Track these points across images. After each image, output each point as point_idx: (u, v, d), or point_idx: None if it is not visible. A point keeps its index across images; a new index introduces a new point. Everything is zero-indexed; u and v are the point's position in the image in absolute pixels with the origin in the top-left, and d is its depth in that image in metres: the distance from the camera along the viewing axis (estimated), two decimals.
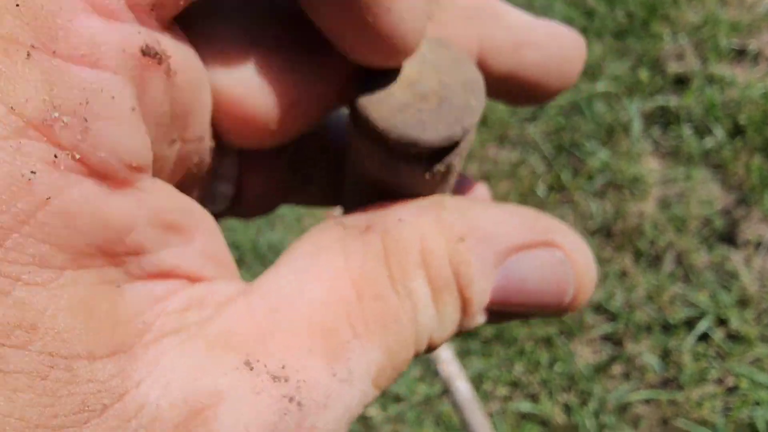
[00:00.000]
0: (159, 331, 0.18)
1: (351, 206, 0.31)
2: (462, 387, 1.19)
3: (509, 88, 0.26)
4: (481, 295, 0.22)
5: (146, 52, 0.17)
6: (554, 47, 0.25)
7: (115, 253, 0.17)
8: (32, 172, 0.15)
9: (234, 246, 1.83)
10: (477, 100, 0.23)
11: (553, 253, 0.23)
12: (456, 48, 0.24)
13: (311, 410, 0.19)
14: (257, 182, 0.29)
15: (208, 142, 0.24)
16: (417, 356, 0.22)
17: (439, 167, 0.23)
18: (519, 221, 0.23)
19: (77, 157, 0.16)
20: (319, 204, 0.33)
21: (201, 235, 0.20)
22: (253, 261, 1.79)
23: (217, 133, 0.24)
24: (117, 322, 0.17)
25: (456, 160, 0.24)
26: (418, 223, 0.22)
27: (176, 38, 0.20)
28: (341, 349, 0.19)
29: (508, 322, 0.25)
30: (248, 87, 0.22)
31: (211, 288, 0.20)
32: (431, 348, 0.22)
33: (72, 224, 0.16)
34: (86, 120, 0.16)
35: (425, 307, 0.21)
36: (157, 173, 0.20)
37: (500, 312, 0.23)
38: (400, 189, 0.24)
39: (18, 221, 0.15)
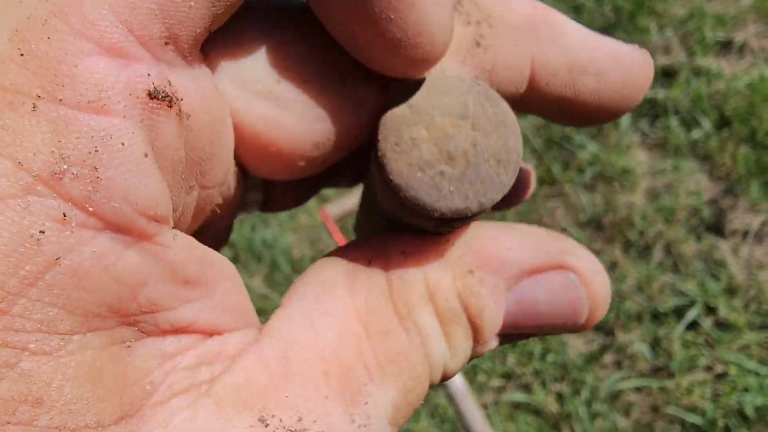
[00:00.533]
0: (168, 392, 0.17)
1: (364, 225, 0.30)
2: (456, 379, 1.21)
3: (561, 112, 0.24)
4: (493, 323, 0.22)
5: (154, 95, 0.16)
6: (616, 72, 0.22)
7: (127, 312, 0.16)
8: (41, 231, 0.14)
9: (229, 244, 1.83)
10: (507, 174, 0.21)
11: (567, 276, 0.22)
12: (504, 105, 0.21)
13: None
14: (286, 186, 0.28)
15: (231, 185, 0.22)
16: (431, 387, 0.21)
17: (448, 229, 0.22)
18: (530, 244, 0.22)
19: (90, 209, 0.15)
20: (351, 186, 0.31)
21: (220, 287, 0.19)
22: (248, 258, 1.80)
23: (240, 164, 0.23)
24: (125, 384, 0.16)
25: (470, 223, 0.22)
26: (421, 259, 0.21)
27: (194, 76, 0.18)
28: (358, 393, 0.19)
29: (519, 341, 0.24)
30: (274, 123, 0.21)
31: (225, 341, 0.19)
32: (446, 378, 0.22)
33: (82, 284, 0.15)
34: (96, 169, 0.15)
35: (436, 340, 0.21)
36: (175, 223, 0.19)
37: (511, 334, 0.23)
38: (411, 227, 0.23)
39: (26, 285, 0.14)
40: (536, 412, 1.43)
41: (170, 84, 0.17)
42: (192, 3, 0.17)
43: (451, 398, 1.27)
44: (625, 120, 1.77)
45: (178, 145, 0.18)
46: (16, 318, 0.14)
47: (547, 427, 1.40)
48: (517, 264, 0.22)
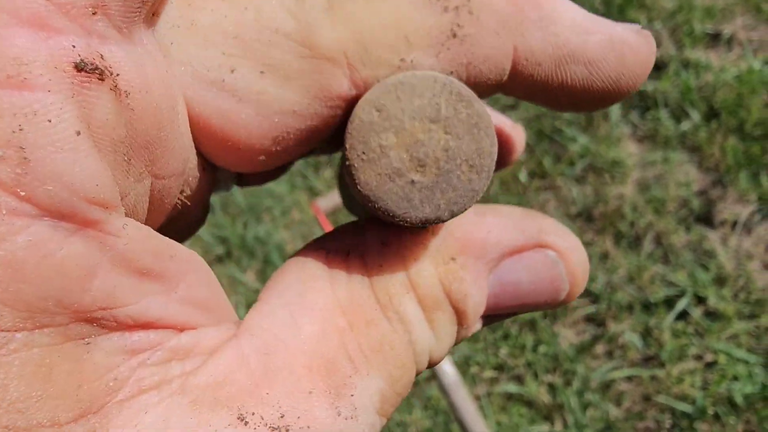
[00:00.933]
0: (136, 387, 0.17)
1: (346, 201, 0.30)
2: (448, 371, 1.21)
3: (548, 99, 0.22)
4: (477, 307, 0.22)
5: (81, 68, 0.15)
6: (610, 60, 0.21)
7: (80, 307, 0.15)
8: None
9: (222, 240, 1.84)
10: (480, 180, 0.20)
11: (546, 254, 0.22)
12: (479, 105, 0.20)
13: None
14: None
15: (196, 174, 0.21)
16: (419, 374, 0.21)
17: (421, 230, 0.22)
18: (509, 225, 0.22)
19: (21, 194, 0.14)
20: (330, 153, 0.30)
21: (185, 280, 0.18)
22: (241, 254, 1.80)
23: (202, 154, 0.22)
24: (82, 381, 0.16)
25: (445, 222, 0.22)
26: (401, 248, 0.21)
27: (132, 51, 0.17)
28: (343, 385, 0.19)
29: (503, 320, 0.24)
30: (227, 116, 0.19)
31: (199, 336, 0.19)
32: (432, 364, 0.22)
33: (20, 276, 0.14)
34: (23, 149, 0.14)
35: (419, 328, 0.21)
36: (129, 214, 0.18)
37: (495, 314, 0.23)
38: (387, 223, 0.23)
39: None
40: (528, 403, 1.44)
41: (102, 58, 0.15)
42: None
43: (444, 390, 1.27)
44: (616, 112, 1.78)
45: (116, 124, 0.16)
46: None
47: (540, 418, 1.41)
48: (498, 246, 0.22)
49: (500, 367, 1.50)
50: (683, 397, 1.35)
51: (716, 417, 1.31)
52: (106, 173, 0.16)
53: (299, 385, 0.18)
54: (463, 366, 1.49)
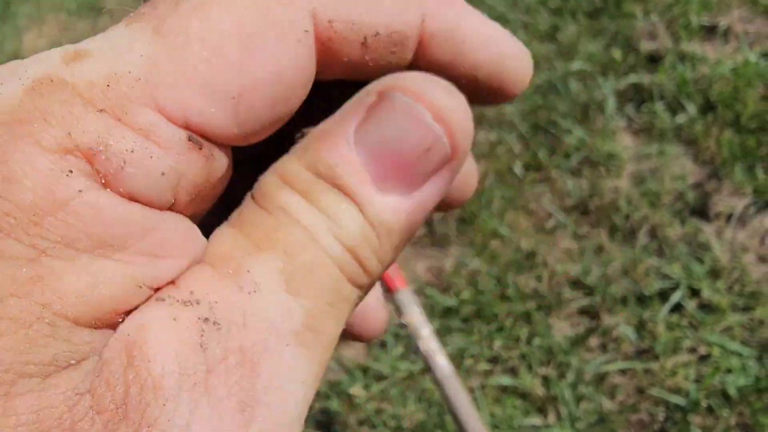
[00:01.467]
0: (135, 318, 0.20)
1: None
2: (442, 363, 1.21)
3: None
4: (355, 175, 0.21)
5: (191, 139, 0.20)
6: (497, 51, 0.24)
7: (139, 250, 0.19)
8: (71, 171, 0.18)
9: None
10: None
11: (390, 96, 0.22)
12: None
13: (232, 331, 0.20)
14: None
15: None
16: (350, 276, 0.22)
17: None
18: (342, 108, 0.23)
19: (103, 181, 0.19)
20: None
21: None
22: None
23: None
24: (117, 310, 0.19)
25: None
26: (275, 168, 0.23)
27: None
28: (238, 267, 0.21)
29: (443, 208, 0.25)
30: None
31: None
32: (354, 253, 0.22)
33: (99, 216, 0.18)
34: (124, 163, 0.19)
35: (307, 213, 0.21)
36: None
37: (416, 190, 0.22)
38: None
39: (55, 207, 0.17)
40: (523, 395, 1.44)
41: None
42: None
43: (437, 383, 1.27)
44: (611, 105, 1.78)
45: (200, 174, 0.21)
46: (43, 229, 0.17)
47: (533, 410, 1.41)
48: (341, 117, 0.22)
49: (494, 360, 1.50)
50: (677, 390, 1.35)
51: (709, 409, 1.32)
52: (167, 200, 0.20)
53: (202, 272, 0.21)
54: (457, 358, 1.49)
